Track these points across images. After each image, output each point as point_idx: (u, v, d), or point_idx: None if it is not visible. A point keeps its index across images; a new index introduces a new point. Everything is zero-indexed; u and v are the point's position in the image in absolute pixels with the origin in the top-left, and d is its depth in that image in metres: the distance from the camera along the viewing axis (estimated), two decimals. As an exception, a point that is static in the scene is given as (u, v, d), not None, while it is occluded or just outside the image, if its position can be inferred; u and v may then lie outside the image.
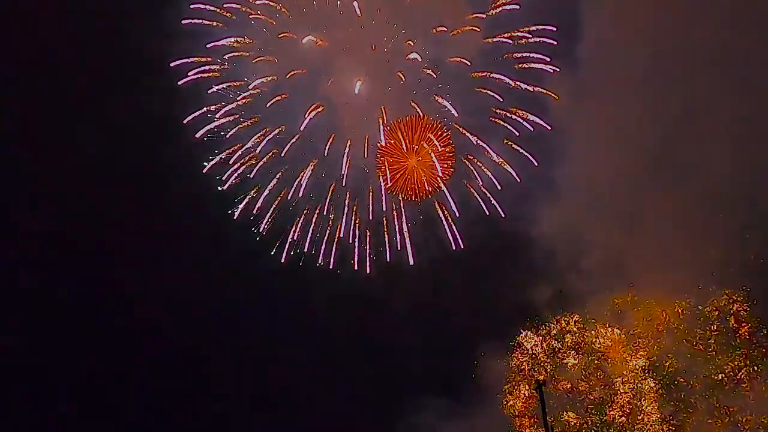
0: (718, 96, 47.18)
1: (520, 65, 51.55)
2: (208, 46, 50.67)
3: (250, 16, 50.82)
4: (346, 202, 52.53)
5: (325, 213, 52.63)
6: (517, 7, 50.28)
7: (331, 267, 52.81)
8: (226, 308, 55.96)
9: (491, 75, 51.43)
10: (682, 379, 49.60)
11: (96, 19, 52.38)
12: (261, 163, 51.80)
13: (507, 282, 53.91)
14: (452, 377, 53.49)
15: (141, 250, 55.47)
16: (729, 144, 47.26)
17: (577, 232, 50.66)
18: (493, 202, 52.88)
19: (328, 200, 52.63)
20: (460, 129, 52.57)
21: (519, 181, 52.18)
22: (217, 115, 50.78)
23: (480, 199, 53.00)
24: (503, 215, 52.74)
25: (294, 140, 51.19)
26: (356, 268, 52.82)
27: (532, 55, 51.10)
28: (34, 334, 53.55)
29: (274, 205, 52.42)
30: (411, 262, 52.85)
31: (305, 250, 52.64)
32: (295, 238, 52.62)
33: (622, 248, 50.71)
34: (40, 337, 53.86)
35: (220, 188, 51.86)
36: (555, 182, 52.05)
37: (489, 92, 51.71)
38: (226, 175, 51.84)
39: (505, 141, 52.47)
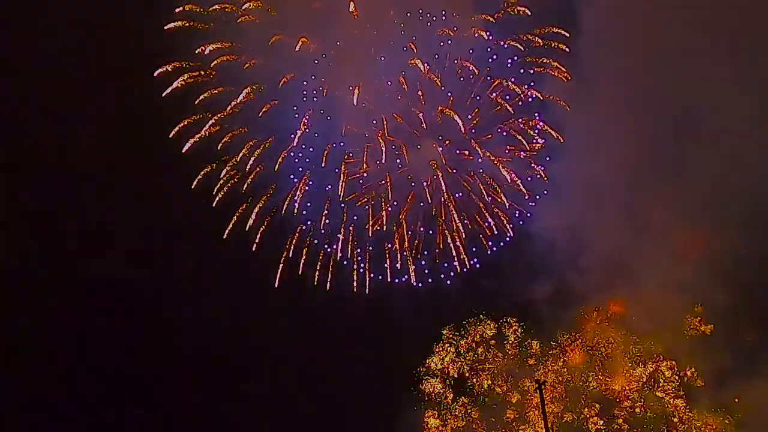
0: (719, 92, 46.54)
1: (528, 69, 49.47)
2: (196, 51, 47.77)
3: (239, 20, 47.68)
4: (344, 218, 50.25)
5: (321, 230, 50.31)
6: (528, 12, 47.76)
7: (327, 288, 50.66)
8: (225, 311, 53.82)
9: (499, 81, 49.18)
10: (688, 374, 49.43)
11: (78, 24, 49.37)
12: (252, 175, 49.34)
13: (507, 281, 52.68)
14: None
15: (140, 251, 53.52)
16: (730, 140, 46.68)
17: (577, 230, 49.95)
18: (502, 219, 50.98)
19: (324, 216, 50.14)
20: (469, 141, 50.27)
21: (527, 197, 50.31)
22: (205, 126, 48.04)
23: (489, 216, 50.99)
24: (511, 234, 51.04)
25: (287, 152, 48.69)
26: (355, 290, 50.82)
27: (543, 61, 49.06)
28: (34, 333, 52.23)
29: (266, 221, 50.03)
30: (413, 282, 50.86)
31: (299, 271, 50.50)
32: (290, 255, 50.34)
33: (622, 246, 50.29)
34: (40, 337, 52.39)
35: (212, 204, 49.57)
36: (555, 179, 51.31)
37: (496, 99, 49.60)
38: (215, 189, 49.34)
39: (510, 149, 50.62)
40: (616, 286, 51.23)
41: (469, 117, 50.07)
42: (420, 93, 48.76)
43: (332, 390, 53.31)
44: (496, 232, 51.27)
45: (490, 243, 51.49)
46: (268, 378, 54.71)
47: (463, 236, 50.81)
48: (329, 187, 49.67)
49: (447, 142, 50.39)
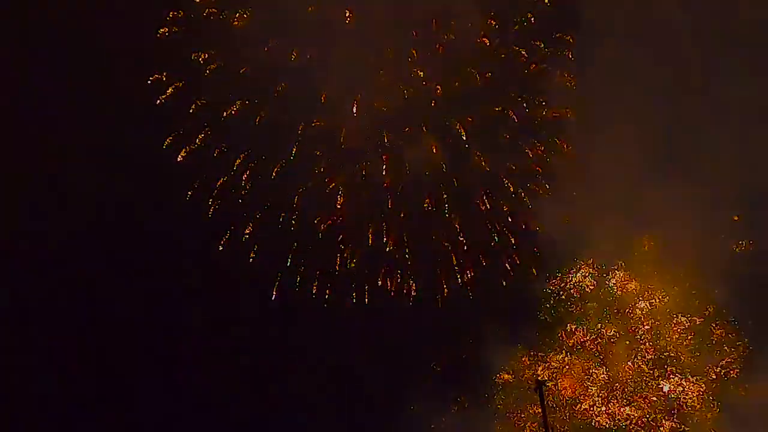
0: (722, 85, 46.42)
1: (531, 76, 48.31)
2: (192, 57, 46.89)
3: (234, 24, 46.45)
4: (343, 231, 49.50)
5: (319, 244, 49.51)
6: (533, 19, 46.29)
7: (326, 299, 50.05)
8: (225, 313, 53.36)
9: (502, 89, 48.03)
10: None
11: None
12: (247, 189, 48.62)
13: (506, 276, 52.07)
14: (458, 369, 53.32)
15: (139, 252, 52.73)
16: (733, 133, 46.35)
17: (577, 225, 49.10)
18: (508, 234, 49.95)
19: (322, 229, 49.35)
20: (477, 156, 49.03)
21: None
22: (201, 134, 47.21)
23: (496, 234, 50.11)
24: (514, 244, 49.88)
25: (282, 165, 47.77)
26: (354, 300, 50.15)
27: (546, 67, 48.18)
28: (33, 335, 52.51)
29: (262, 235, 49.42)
30: (413, 293, 50.02)
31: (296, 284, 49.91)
32: (287, 264, 49.68)
33: (622, 240, 50.59)
34: (39, 339, 52.55)
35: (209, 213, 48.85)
36: (554, 174, 50.58)
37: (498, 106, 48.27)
38: (211, 199, 48.75)
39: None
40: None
41: (471, 121, 48.87)
42: (423, 103, 47.84)
43: (332, 390, 53.47)
44: (496, 239, 50.41)
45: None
46: (269, 379, 54.59)
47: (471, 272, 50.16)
48: (326, 197, 48.81)
49: (449, 139, 49.21)
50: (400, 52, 46.68)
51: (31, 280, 52.19)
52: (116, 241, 51.68)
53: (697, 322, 50.19)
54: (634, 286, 51.87)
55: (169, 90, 46.96)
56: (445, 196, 49.11)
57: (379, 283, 50.08)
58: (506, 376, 52.12)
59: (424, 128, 48.05)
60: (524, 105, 48.42)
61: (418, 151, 48.25)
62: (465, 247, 49.47)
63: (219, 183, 48.47)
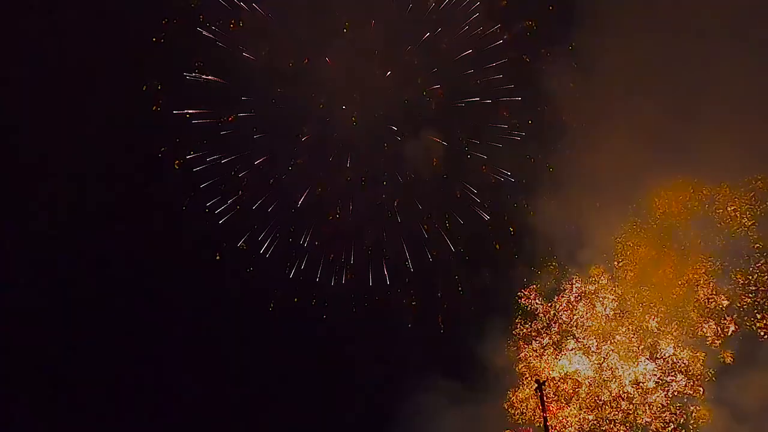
0: (721, 76, 45.31)
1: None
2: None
3: (231, 28, 45.68)
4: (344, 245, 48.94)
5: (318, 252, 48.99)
6: (534, 25, 45.33)
7: (325, 309, 49.89)
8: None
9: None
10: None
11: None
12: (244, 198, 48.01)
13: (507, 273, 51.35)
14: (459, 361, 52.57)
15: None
16: (733, 126, 44.77)
17: (576, 221, 48.92)
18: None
19: (319, 241, 48.92)
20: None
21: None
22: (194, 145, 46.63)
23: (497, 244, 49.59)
24: (516, 255, 49.33)
25: (279, 173, 47.39)
26: (354, 310, 49.97)
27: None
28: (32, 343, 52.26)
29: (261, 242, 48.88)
30: (413, 303, 49.74)
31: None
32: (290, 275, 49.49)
33: (621, 236, 48.86)
34: (43, 337, 52.55)
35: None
36: (553, 169, 50.08)
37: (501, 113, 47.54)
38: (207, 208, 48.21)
39: None
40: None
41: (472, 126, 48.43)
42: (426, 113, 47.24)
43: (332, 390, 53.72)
44: (497, 247, 49.85)
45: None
46: (270, 379, 54.86)
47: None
48: (325, 205, 48.47)
49: (449, 144, 48.86)
50: (400, 57, 46.11)
51: (31, 280, 52.74)
52: (116, 241, 51.65)
53: (698, 322, 49.58)
54: (635, 289, 51.44)
55: (163, 98, 46.35)
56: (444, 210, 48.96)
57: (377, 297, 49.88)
58: (507, 376, 51.96)
59: (424, 133, 47.45)
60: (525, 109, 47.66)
61: (418, 155, 47.99)
62: (466, 257, 49.07)
63: (219, 189, 48.11)
